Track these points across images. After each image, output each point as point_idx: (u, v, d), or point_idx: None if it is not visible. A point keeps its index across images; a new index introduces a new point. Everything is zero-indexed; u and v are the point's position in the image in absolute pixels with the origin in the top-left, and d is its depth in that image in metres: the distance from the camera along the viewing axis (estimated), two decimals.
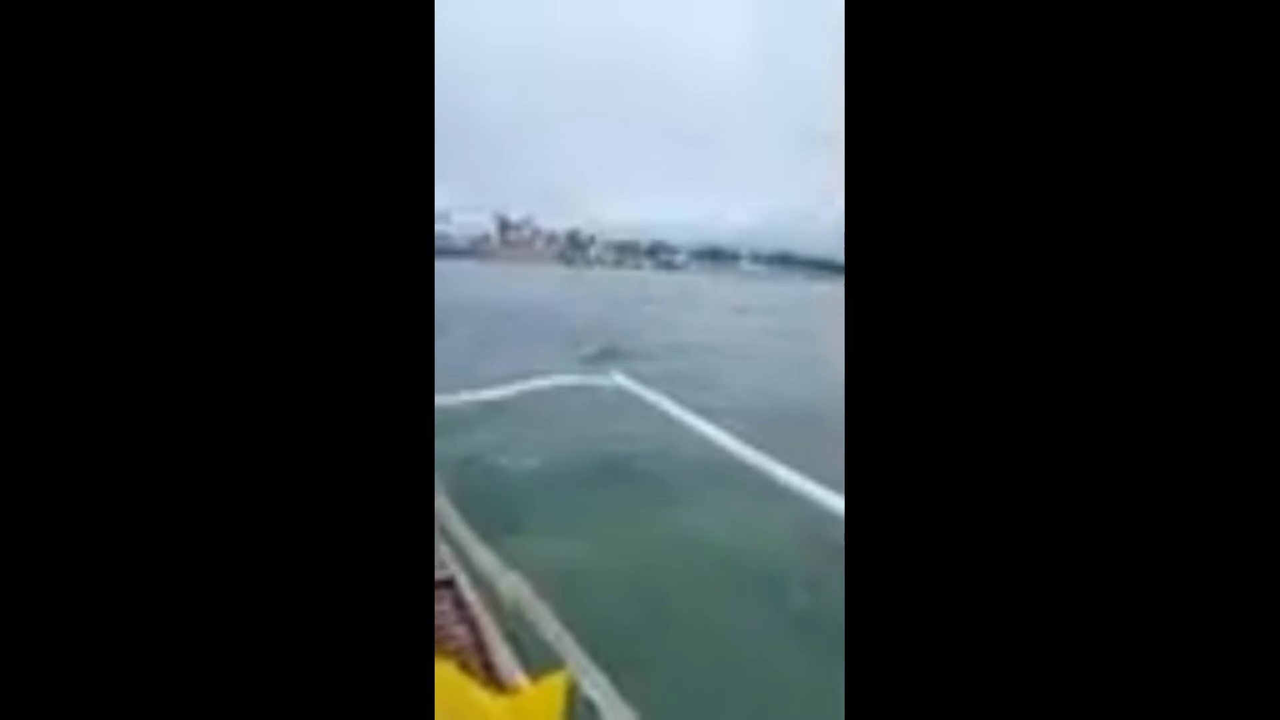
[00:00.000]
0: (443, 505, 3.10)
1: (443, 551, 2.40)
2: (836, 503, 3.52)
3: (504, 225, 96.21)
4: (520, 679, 1.59)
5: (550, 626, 1.71)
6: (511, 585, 1.87)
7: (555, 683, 1.19)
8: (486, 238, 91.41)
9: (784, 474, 4.14)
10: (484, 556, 2.56)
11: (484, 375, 7.18)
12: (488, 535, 2.84)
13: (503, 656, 1.67)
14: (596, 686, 1.56)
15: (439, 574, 2.16)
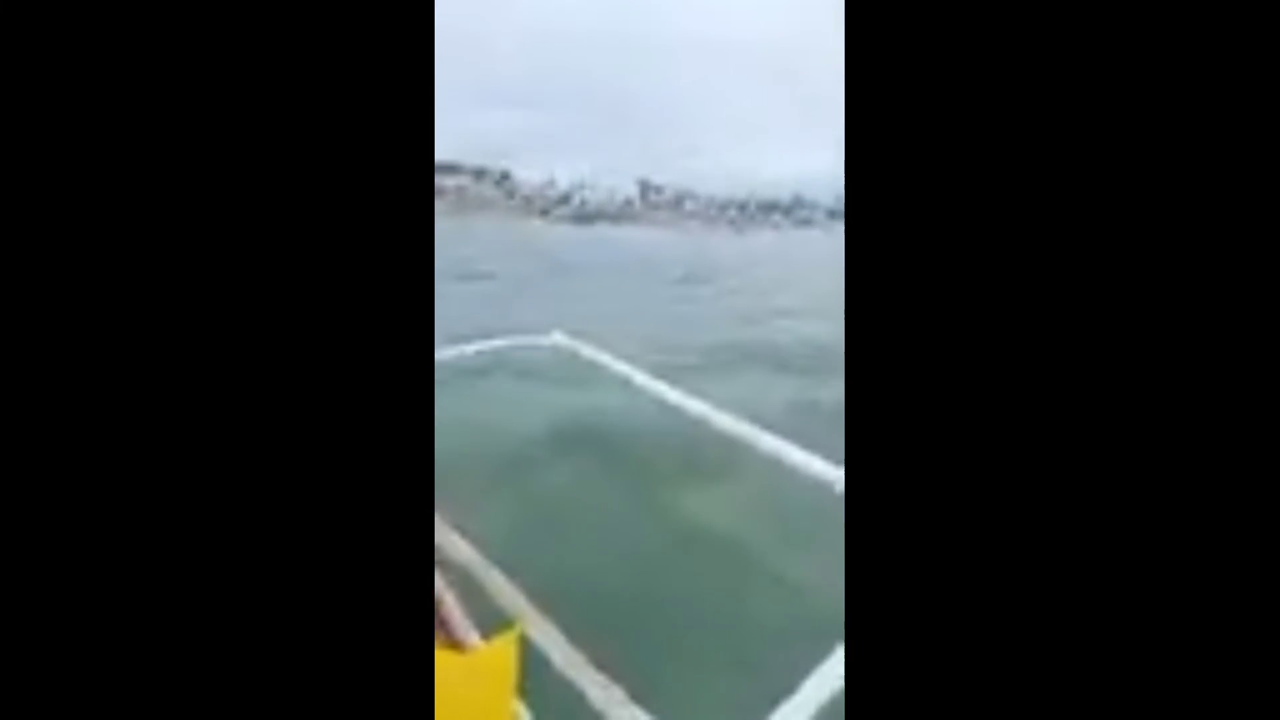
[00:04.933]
0: None
1: None
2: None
3: (645, 189, 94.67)
4: (474, 639, 1.61)
5: (501, 588, 1.69)
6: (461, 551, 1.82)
7: (508, 639, 1.21)
8: (630, 202, 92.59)
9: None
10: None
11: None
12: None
13: (456, 617, 1.69)
14: (548, 637, 1.57)
15: None
